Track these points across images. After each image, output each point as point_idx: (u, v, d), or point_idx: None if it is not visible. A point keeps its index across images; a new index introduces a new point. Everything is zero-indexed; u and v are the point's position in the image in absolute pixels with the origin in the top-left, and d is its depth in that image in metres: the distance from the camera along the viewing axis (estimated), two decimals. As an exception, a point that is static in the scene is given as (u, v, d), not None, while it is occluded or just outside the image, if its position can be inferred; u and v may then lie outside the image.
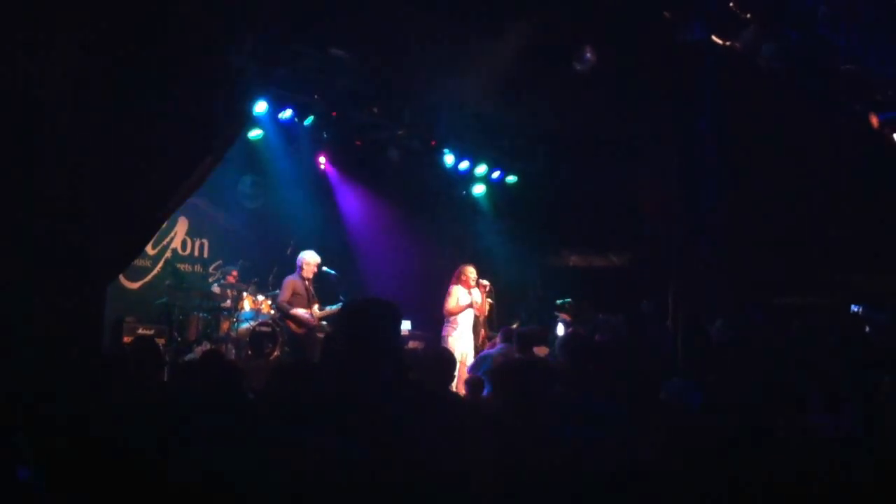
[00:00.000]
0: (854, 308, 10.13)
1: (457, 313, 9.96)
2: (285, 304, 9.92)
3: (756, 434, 3.65)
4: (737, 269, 9.83)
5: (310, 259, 10.10)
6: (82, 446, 2.99)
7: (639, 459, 3.25)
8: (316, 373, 3.75)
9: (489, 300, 10.47)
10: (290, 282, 10.00)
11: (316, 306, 10.10)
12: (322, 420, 3.13)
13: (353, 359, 3.40)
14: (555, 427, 3.58)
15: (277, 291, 10.62)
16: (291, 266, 10.27)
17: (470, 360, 9.47)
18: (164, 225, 9.34)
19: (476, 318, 10.32)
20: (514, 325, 10.01)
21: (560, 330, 10.48)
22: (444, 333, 10.07)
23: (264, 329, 10.31)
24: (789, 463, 3.27)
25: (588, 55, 8.96)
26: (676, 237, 7.22)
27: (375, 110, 11.01)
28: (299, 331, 9.98)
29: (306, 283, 10.07)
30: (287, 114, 10.50)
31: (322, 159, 12.44)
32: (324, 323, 10.31)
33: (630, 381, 5.53)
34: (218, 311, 10.65)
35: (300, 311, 9.93)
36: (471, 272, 10.12)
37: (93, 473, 2.92)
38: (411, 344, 11.60)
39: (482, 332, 10.26)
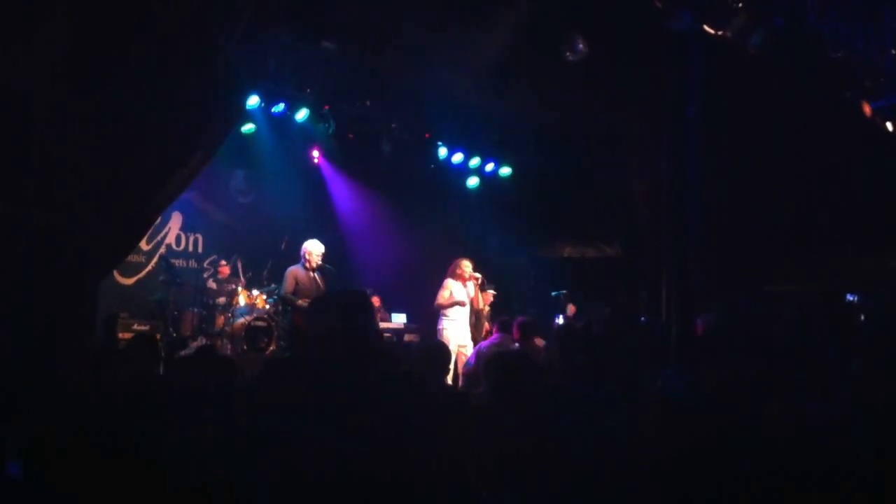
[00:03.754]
0: (850, 297, 10.16)
1: (446, 307, 9.95)
2: (289, 296, 9.50)
3: (748, 422, 3.66)
4: (727, 257, 9.86)
5: (312, 248, 9.71)
6: (75, 441, 2.99)
7: (631, 449, 3.27)
8: (305, 366, 3.75)
9: (491, 291, 10.50)
10: (292, 272, 9.62)
11: None
12: (311, 412, 3.14)
13: (332, 351, 3.40)
14: (546, 417, 3.60)
15: (273, 286, 10.58)
16: (286, 260, 10.22)
17: (467, 352, 9.49)
18: (158, 220, 9.34)
19: (478, 311, 10.33)
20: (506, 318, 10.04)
21: (561, 322, 10.58)
22: (439, 326, 10.07)
23: (259, 324, 10.29)
24: (781, 451, 3.29)
25: (580, 45, 8.96)
26: (667, 226, 7.23)
27: (368, 103, 10.99)
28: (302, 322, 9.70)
29: (311, 273, 9.70)
30: (279, 108, 10.49)
31: (315, 153, 12.41)
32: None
33: (623, 370, 5.56)
34: (213, 307, 10.64)
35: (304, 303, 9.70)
36: (466, 266, 10.10)
37: (86, 467, 2.93)
38: (407, 337, 11.61)
39: (486, 325, 10.23)
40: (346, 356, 3.41)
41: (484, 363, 5.59)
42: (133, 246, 8.36)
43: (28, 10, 5.80)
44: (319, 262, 9.79)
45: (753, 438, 3.35)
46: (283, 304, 9.96)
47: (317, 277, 9.79)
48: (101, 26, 6.07)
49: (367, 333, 3.45)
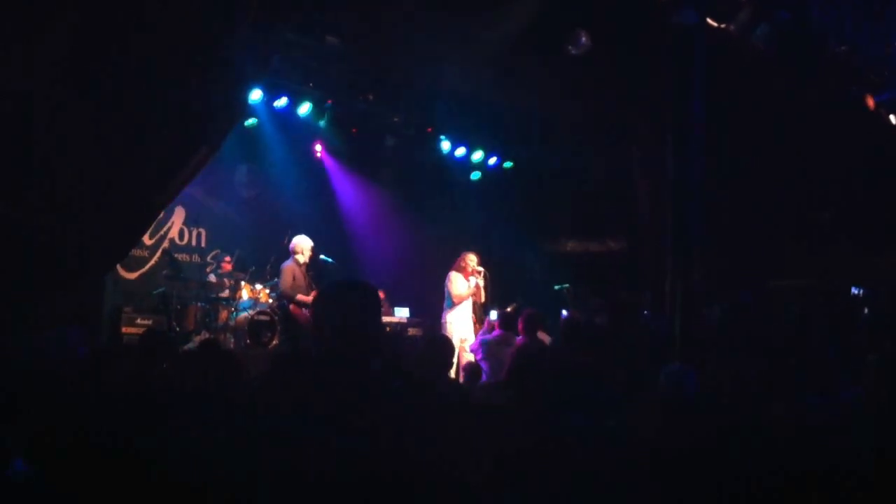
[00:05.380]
0: (854, 290, 10.14)
1: (466, 296, 9.97)
2: (290, 291, 9.62)
3: (751, 419, 3.66)
4: (731, 252, 9.84)
5: (303, 244, 9.82)
6: (75, 441, 3.00)
7: (631, 449, 3.27)
8: (309, 362, 3.75)
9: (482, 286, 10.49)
10: (290, 267, 9.71)
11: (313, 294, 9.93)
12: (315, 410, 3.14)
13: (333, 346, 3.38)
14: (547, 417, 3.59)
15: (276, 280, 10.58)
16: (289, 254, 10.23)
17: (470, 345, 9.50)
18: (161, 215, 9.34)
19: (474, 303, 10.34)
20: (509, 309, 10.01)
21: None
22: (443, 320, 10.09)
23: (262, 318, 10.30)
24: (781, 451, 3.28)
25: (583, 39, 8.94)
26: (670, 221, 7.23)
27: (371, 98, 10.98)
28: (304, 318, 9.79)
29: (302, 268, 9.80)
30: (282, 102, 10.47)
31: (318, 147, 12.41)
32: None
33: (627, 367, 5.56)
34: (216, 301, 10.64)
35: (305, 298, 9.78)
36: (471, 259, 10.12)
37: (89, 465, 2.93)
38: (410, 331, 11.61)
39: (473, 317, 10.25)
40: (346, 353, 3.40)
41: (513, 362, 5.61)
42: (135, 242, 8.37)
43: (28, 10, 5.78)
44: (311, 256, 9.83)
45: (753, 438, 3.35)
46: (283, 299, 10.00)
47: (307, 274, 9.85)
48: (101, 26, 6.05)
49: (367, 329, 3.42)
